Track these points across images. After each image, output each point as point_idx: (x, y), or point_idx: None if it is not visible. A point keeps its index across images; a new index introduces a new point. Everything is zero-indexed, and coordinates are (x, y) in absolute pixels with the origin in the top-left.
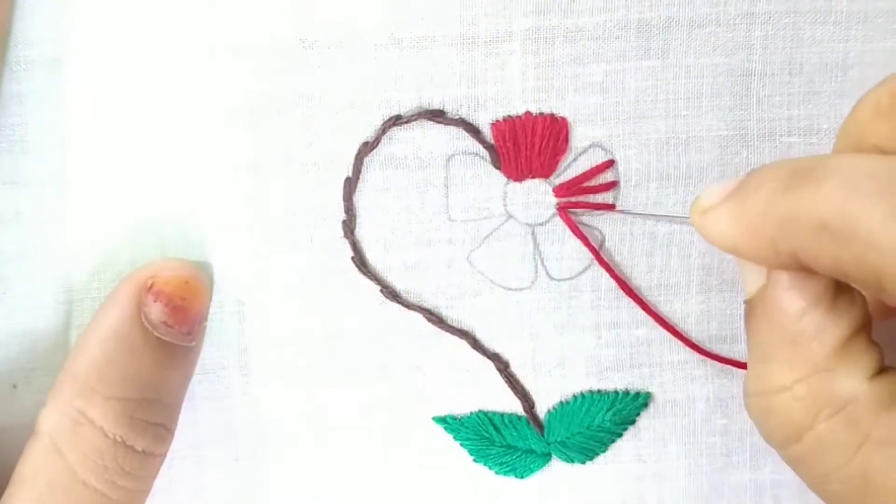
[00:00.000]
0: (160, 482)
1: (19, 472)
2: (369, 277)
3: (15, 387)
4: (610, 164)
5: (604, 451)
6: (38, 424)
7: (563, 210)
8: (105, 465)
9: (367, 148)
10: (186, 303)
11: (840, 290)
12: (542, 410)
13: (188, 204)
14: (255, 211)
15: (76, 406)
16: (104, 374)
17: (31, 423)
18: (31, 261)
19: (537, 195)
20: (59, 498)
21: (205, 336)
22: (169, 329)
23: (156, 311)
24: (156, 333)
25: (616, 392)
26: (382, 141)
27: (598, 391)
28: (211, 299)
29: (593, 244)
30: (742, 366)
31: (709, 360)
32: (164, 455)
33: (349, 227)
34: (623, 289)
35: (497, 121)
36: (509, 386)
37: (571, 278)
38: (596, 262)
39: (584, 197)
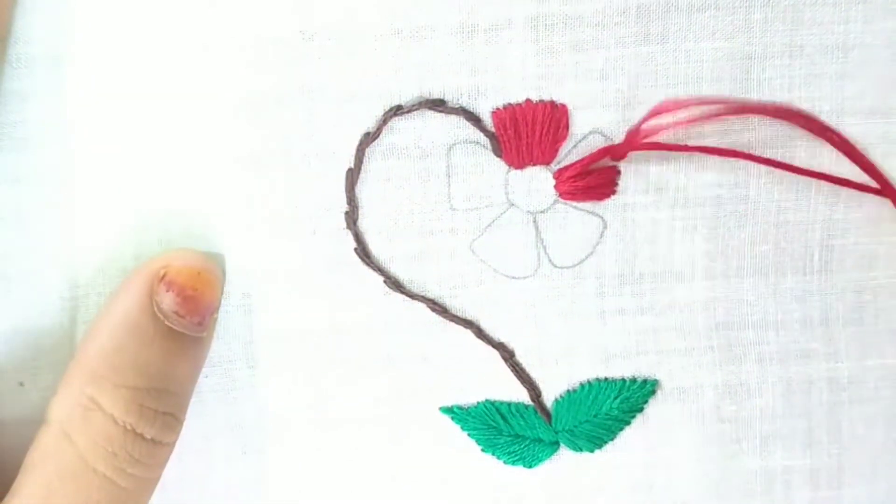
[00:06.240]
0: (168, 475)
1: (29, 460)
2: (373, 268)
3: (22, 384)
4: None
5: (612, 440)
6: (48, 413)
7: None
8: (114, 453)
9: (369, 139)
10: (198, 293)
11: None
12: (549, 399)
13: (191, 198)
14: (257, 203)
15: (86, 393)
16: (114, 362)
17: (38, 419)
18: (36, 258)
19: (538, 182)
20: (68, 484)
21: (215, 328)
22: (180, 319)
23: (167, 300)
24: (167, 323)
25: (623, 380)
26: (383, 131)
27: (605, 379)
28: (223, 291)
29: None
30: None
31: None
32: (173, 444)
33: (352, 217)
34: None
35: (497, 109)
36: (515, 375)
37: (574, 266)
38: None
39: (586, 185)
